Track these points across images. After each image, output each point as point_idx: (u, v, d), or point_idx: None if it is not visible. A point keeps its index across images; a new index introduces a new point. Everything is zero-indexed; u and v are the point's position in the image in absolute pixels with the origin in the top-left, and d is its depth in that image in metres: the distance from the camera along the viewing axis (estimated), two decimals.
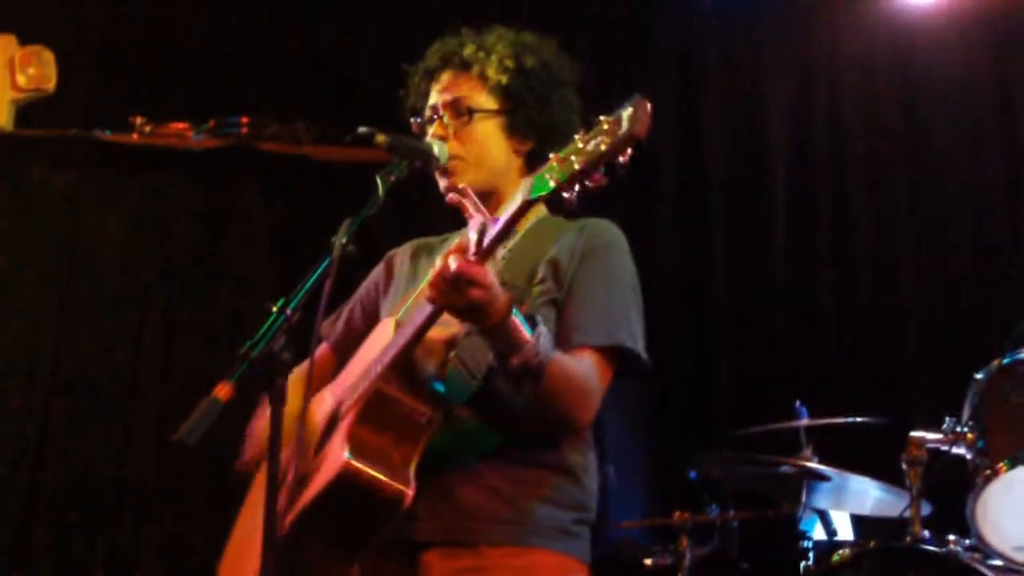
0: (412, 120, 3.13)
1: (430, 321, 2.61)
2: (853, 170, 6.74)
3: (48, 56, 5.88)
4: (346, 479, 2.62)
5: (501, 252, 2.90)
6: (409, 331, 2.65)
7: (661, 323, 6.41)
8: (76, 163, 6.21)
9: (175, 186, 6.34)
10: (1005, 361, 4.30)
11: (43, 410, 6.06)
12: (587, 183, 2.33)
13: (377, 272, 3.26)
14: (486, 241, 2.46)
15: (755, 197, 6.82)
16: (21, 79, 5.83)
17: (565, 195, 2.35)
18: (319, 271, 2.60)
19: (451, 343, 2.74)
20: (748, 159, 6.86)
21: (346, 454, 2.62)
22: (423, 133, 3.06)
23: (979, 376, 4.34)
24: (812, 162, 6.81)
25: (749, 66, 6.92)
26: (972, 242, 6.43)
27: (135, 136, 6.05)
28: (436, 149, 2.97)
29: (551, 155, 2.38)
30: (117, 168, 6.22)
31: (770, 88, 6.90)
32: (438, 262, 2.50)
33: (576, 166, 2.32)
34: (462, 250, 2.47)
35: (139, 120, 6.01)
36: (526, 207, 2.42)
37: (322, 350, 3.23)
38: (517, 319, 2.56)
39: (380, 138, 2.86)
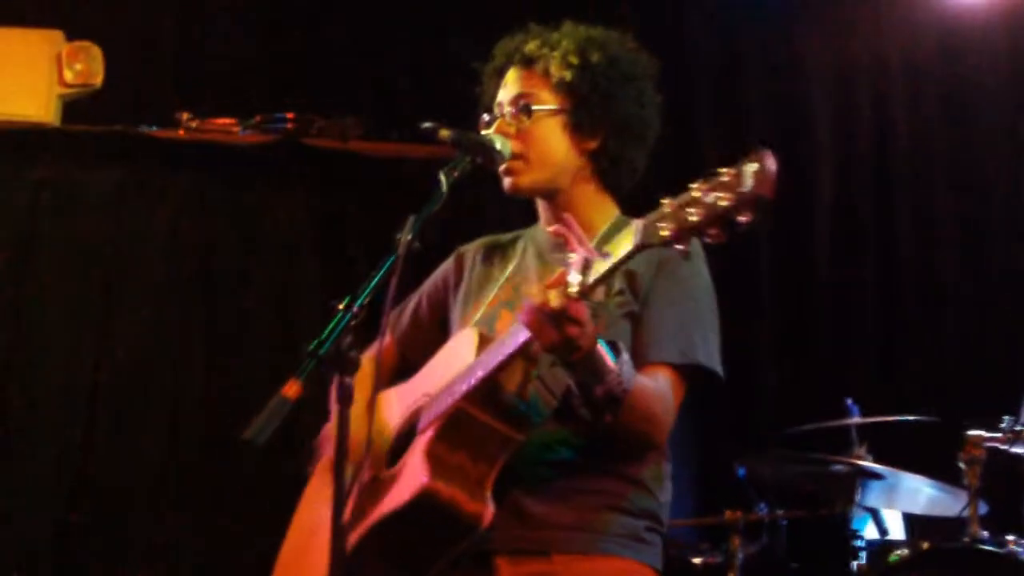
0: (483, 118, 3.08)
1: (523, 349, 2.56)
2: (898, 167, 6.69)
3: (96, 52, 5.87)
4: (425, 499, 2.60)
5: None
6: (499, 356, 2.60)
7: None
8: (121, 159, 6.18)
9: (220, 182, 6.30)
10: None
11: (87, 411, 6.03)
12: (704, 237, 2.22)
13: (446, 268, 3.22)
14: (590, 279, 2.40)
15: (799, 194, 6.78)
16: (68, 74, 5.83)
17: (678, 246, 2.25)
18: (385, 268, 2.58)
19: (531, 361, 2.70)
20: (791, 159, 6.79)
21: (425, 475, 2.60)
22: (488, 131, 3.02)
23: None
24: (856, 160, 6.76)
25: (790, 67, 6.87)
26: (1020, 240, 6.37)
27: (181, 132, 6.04)
28: (499, 145, 2.92)
29: (664, 201, 2.27)
30: (162, 164, 6.19)
31: (813, 88, 6.85)
32: (536, 293, 2.45)
33: (693, 219, 2.20)
34: (562, 284, 2.42)
35: (185, 116, 6.00)
36: (636, 253, 2.33)
37: (385, 343, 3.20)
38: (602, 349, 2.53)
39: (444, 133, 2.83)
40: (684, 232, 2.22)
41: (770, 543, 5.53)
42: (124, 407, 6.04)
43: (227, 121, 6.07)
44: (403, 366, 3.14)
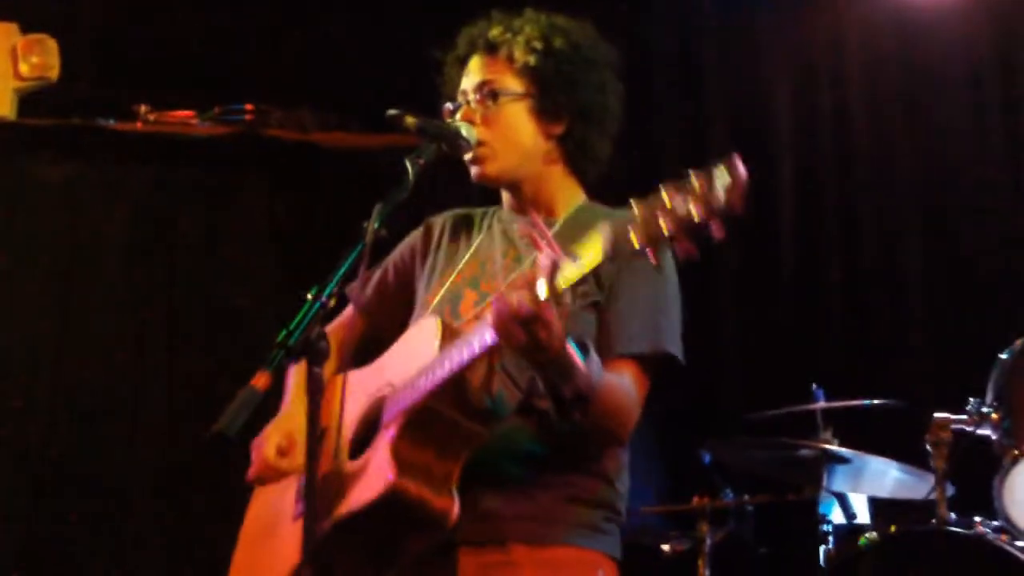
0: (446, 106, 3.06)
1: (489, 351, 2.54)
2: (859, 157, 6.71)
3: (51, 44, 5.81)
4: (393, 497, 2.58)
5: None
6: (465, 355, 2.57)
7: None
8: (78, 153, 6.12)
9: (179, 176, 6.25)
10: None
11: (46, 408, 5.98)
12: (673, 250, 2.22)
13: (414, 238, 3.19)
14: (560, 285, 2.37)
15: (762, 185, 6.78)
16: (24, 67, 5.76)
17: (648, 256, 2.21)
18: (352, 256, 2.56)
19: (495, 356, 2.68)
20: (752, 151, 6.73)
21: (392, 473, 2.58)
22: (453, 118, 3.00)
23: (1003, 356, 4.31)
24: (818, 151, 6.78)
25: (749, 65, 6.88)
26: (981, 225, 6.40)
27: (139, 124, 5.99)
28: (464, 131, 2.91)
29: (633, 205, 2.23)
30: (120, 158, 6.13)
31: (773, 83, 6.87)
32: (507, 296, 2.42)
33: (664, 231, 2.16)
34: (531, 286, 2.39)
35: (143, 108, 5.95)
36: (605, 262, 2.30)
37: (350, 313, 3.18)
38: (571, 348, 2.51)
39: (409, 120, 2.81)
40: (653, 243, 2.19)
41: (737, 529, 5.53)
42: (85, 404, 5.99)
43: (185, 113, 6.03)
44: (370, 335, 3.13)
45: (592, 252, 2.31)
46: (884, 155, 6.65)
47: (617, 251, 2.25)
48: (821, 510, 5.05)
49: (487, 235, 3.06)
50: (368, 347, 3.06)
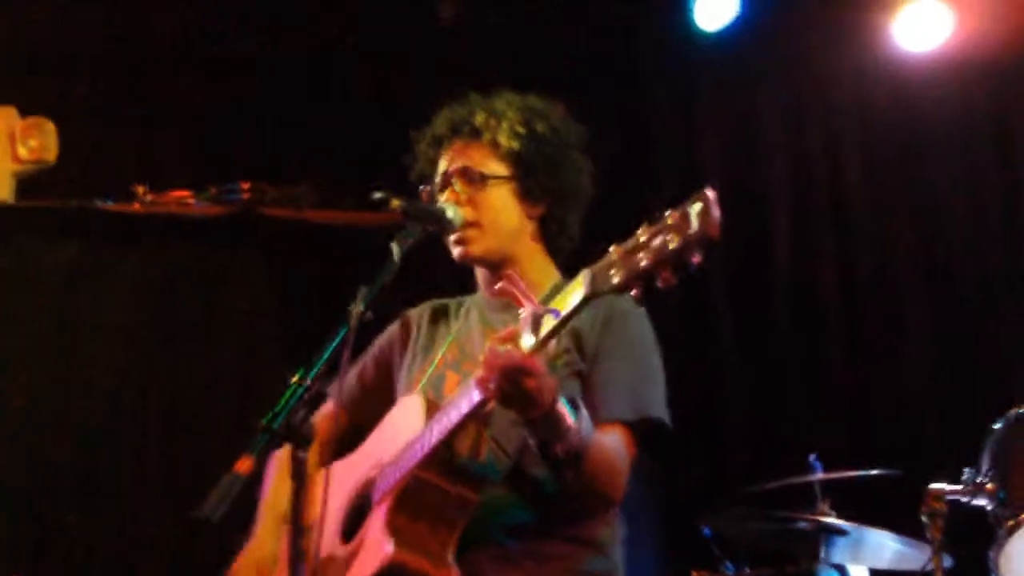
0: (421, 188, 3.10)
1: (477, 410, 2.56)
2: (854, 216, 6.73)
3: (49, 127, 5.86)
4: (390, 571, 2.58)
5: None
6: (454, 418, 2.60)
7: (669, 377, 6.40)
8: (77, 235, 6.17)
9: (177, 255, 6.30)
10: (1023, 411, 4.26)
11: (50, 487, 5.99)
12: (655, 282, 2.23)
13: (392, 332, 3.22)
14: (543, 334, 2.40)
15: (756, 244, 6.81)
16: (22, 151, 5.82)
17: (630, 292, 2.26)
18: (337, 340, 2.57)
19: (484, 421, 2.70)
20: (746, 207, 6.84)
21: (389, 546, 2.58)
22: (433, 200, 3.03)
23: (996, 426, 4.30)
24: (812, 209, 6.80)
25: (745, 113, 6.92)
26: (977, 287, 6.40)
27: (136, 205, 6.03)
28: (450, 213, 2.95)
29: (612, 248, 2.28)
30: (118, 239, 6.18)
31: (767, 135, 6.91)
32: (488, 351, 2.44)
33: (643, 264, 2.21)
34: (514, 340, 2.42)
35: (140, 189, 5.99)
36: (587, 302, 2.34)
37: (331, 408, 3.19)
38: (562, 405, 2.52)
39: (395, 203, 2.85)
40: (635, 277, 2.23)
41: None
42: (88, 482, 6.00)
43: (182, 193, 6.06)
44: (352, 429, 3.13)
45: (572, 298, 2.34)
46: (880, 215, 6.66)
47: (598, 289, 2.29)
48: None
49: (465, 321, 3.09)
50: (350, 442, 3.07)
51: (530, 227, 3.04)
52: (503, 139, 3.01)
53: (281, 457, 2.76)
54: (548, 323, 2.38)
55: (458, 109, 3.09)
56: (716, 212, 2.15)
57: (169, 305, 6.31)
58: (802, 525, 4.93)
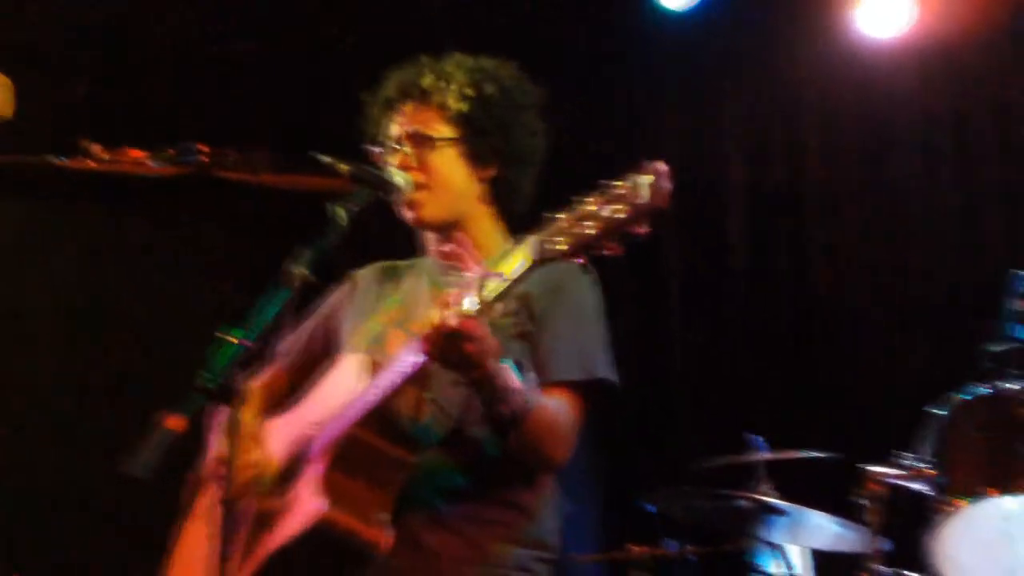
0: (372, 150, 3.09)
1: (418, 371, 2.57)
2: (811, 202, 6.76)
3: (5, 81, 5.80)
4: (322, 528, 2.58)
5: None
6: (394, 378, 2.60)
7: (617, 354, 6.44)
8: (29, 192, 6.12)
9: (131, 215, 6.26)
10: (964, 396, 4.31)
11: None
12: (601, 250, 2.24)
13: (340, 293, 3.22)
14: (487, 298, 2.41)
15: (713, 229, 6.84)
16: None
17: (576, 260, 2.27)
18: (278, 301, 2.57)
19: (424, 382, 2.70)
20: (706, 191, 6.86)
21: (323, 503, 2.58)
22: (383, 163, 3.03)
23: (937, 411, 4.34)
24: (770, 194, 6.83)
25: (706, 96, 6.94)
26: (928, 274, 6.46)
27: (91, 163, 5.96)
28: (399, 178, 2.94)
29: (559, 215, 2.28)
30: (72, 196, 6.13)
31: (728, 118, 6.93)
32: (433, 313, 2.45)
33: (590, 232, 2.22)
34: (458, 303, 2.42)
35: (95, 147, 5.94)
36: (533, 269, 2.34)
37: (276, 369, 3.19)
38: (507, 367, 2.54)
39: (343, 167, 2.83)
40: (581, 245, 2.24)
41: None
42: (33, 436, 5.99)
43: (138, 153, 6.01)
44: (295, 393, 3.13)
45: (518, 263, 2.35)
46: (838, 202, 6.70)
47: (544, 256, 2.29)
48: (758, 561, 5.07)
49: (414, 283, 3.09)
50: (294, 403, 3.07)
51: (480, 189, 3.03)
52: (451, 101, 3.00)
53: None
54: (492, 287, 2.39)
55: (407, 72, 3.08)
56: (666, 184, 2.18)
57: (121, 264, 6.27)
58: (742, 504, 4.97)
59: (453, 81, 3.01)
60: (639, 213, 2.17)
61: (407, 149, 3.01)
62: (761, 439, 5.30)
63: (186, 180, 5.98)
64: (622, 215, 2.18)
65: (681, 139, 6.94)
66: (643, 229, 2.19)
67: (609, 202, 2.21)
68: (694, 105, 6.97)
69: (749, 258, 6.77)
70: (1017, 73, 6.39)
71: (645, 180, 2.18)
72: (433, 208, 2.99)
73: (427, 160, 2.99)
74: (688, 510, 5.37)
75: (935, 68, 6.50)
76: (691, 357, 6.66)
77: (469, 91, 3.00)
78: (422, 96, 3.03)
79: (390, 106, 3.07)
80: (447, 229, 3.03)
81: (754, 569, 5.03)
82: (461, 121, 3.00)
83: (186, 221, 6.37)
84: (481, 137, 3.01)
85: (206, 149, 6.06)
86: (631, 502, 5.54)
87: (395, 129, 3.04)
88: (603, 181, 2.24)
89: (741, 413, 6.19)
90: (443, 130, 3.00)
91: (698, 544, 5.49)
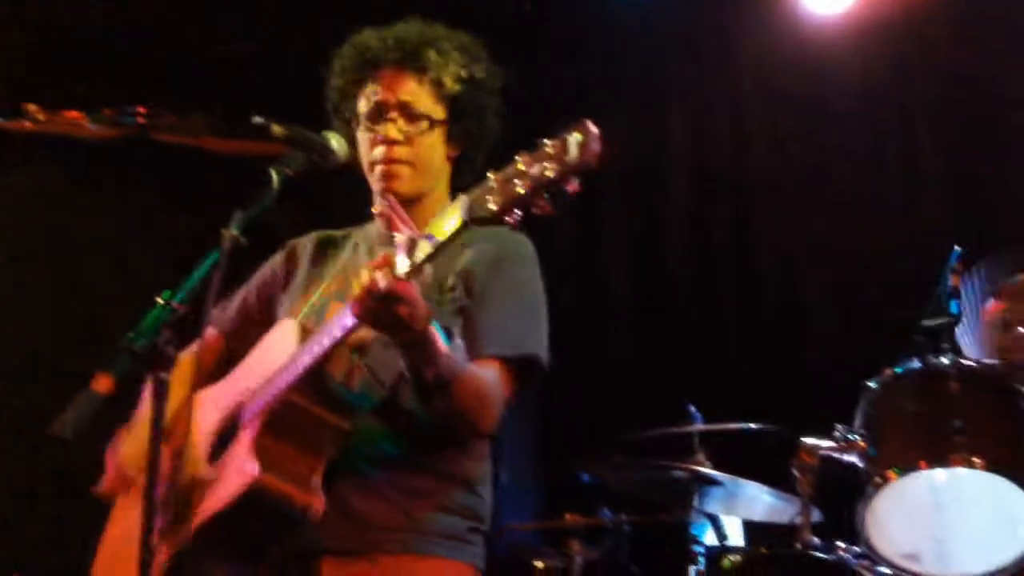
0: (337, 105, 3.05)
1: (350, 334, 2.56)
2: (754, 177, 6.79)
3: None
4: (255, 493, 2.56)
5: None
6: (326, 342, 2.59)
7: (556, 325, 6.46)
8: None
9: (67, 176, 6.20)
10: (898, 370, 4.33)
11: None
12: (532, 209, 2.24)
13: (276, 261, 3.20)
14: (418, 259, 2.40)
15: (655, 201, 6.85)
16: None
17: (506, 218, 2.26)
18: (208, 263, 2.55)
19: (359, 349, 2.69)
20: (649, 165, 6.88)
21: (255, 468, 2.56)
22: (356, 124, 3.00)
23: (871, 384, 4.37)
24: (713, 168, 6.85)
25: (646, 80, 6.95)
26: (868, 251, 6.49)
27: (27, 124, 5.88)
28: (335, 144, 2.91)
29: (489, 174, 2.29)
30: (5, 158, 6.06)
31: (670, 92, 6.95)
32: (363, 275, 2.44)
33: (520, 191, 2.22)
34: (389, 264, 2.41)
35: (32, 107, 5.86)
36: (463, 228, 2.34)
37: (212, 336, 3.16)
38: (436, 332, 2.53)
39: (277, 129, 2.81)
40: (511, 204, 2.24)
41: (613, 548, 5.56)
42: None
43: (76, 114, 5.93)
44: (231, 360, 3.10)
45: (449, 223, 2.35)
46: (780, 176, 6.72)
47: (474, 215, 2.30)
48: (693, 532, 5.09)
49: (353, 253, 3.07)
50: (228, 370, 3.05)
51: (447, 168, 3.05)
52: (448, 81, 3.00)
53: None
54: (424, 248, 2.38)
55: (400, 36, 3.04)
56: (595, 143, 2.19)
57: (58, 226, 6.21)
58: (678, 474, 4.99)
59: (451, 60, 2.99)
60: (568, 171, 2.19)
61: (400, 122, 2.98)
62: (697, 411, 5.31)
63: (125, 142, 5.98)
64: (551, 173, 2.19)
65: (627, 117, 6.94)
66: (573, 187, 2.21)
67: (538, 161, 2.21)
68: (638, 83, 6.96)
69: (691, 233, 6.79)
70: (958, 50, 6.43)
71: (574, 139, 2.19)
72: (412, 184, 2.99)
73: (415, 137, 2.98)
74: (624, 480, 5.39)
75: (878, 45, 6.53)
76: (630, 329, 6.68)
77: (464, 73, 3.00)
78: (419, 67, 3.00)
79: (376, 67, 3.03)
80: (411, 203, 3.02)
81: (689, 539, 5.04)
82: (450, 102, 3.00)
83: (126, 183, 6.30)
84: (462, 120, 3.01)
85: (144, 111, 6.03)
86: (568, 472, 5.54)
87: (382, 94, 3.00)
88: (536, 141, 2.24)
89: (680, 385, 6.21)
90: (433, 108, 3.00)
91: (634, 514, 5.52)
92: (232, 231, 2.58)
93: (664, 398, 5.91)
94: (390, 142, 2.95)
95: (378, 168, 2.96)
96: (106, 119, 6.08)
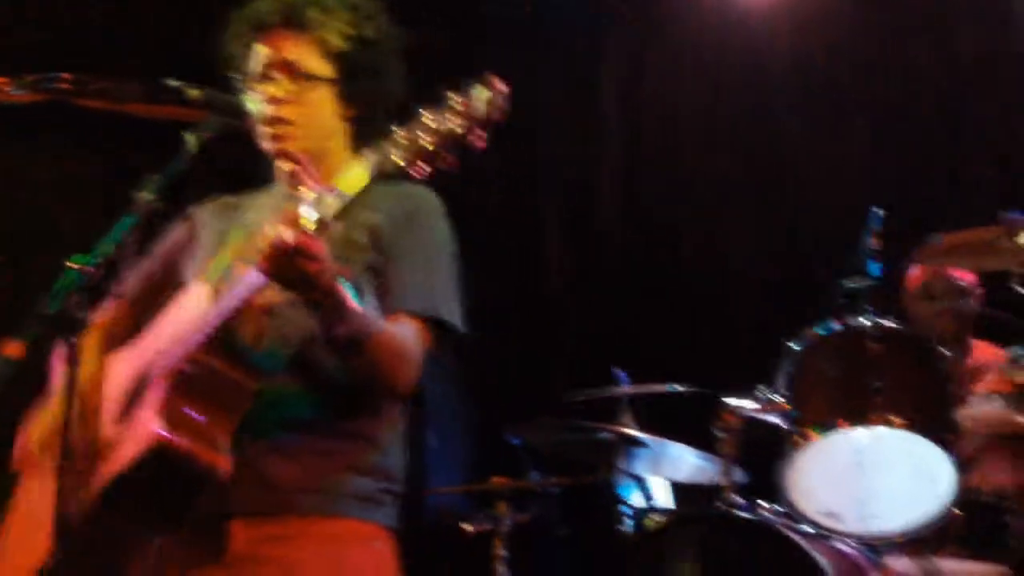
0: (236, 76, 3.04)
1: (257, 292, 2.55)
2: (685, 148, 6.84)
3: None
4: (159, 452, 2.54)
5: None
6: (234, 301, 2.57)
7: (489, 289, 6.50)
8: None
9: None
10: (820, 331, 4.38)
11: None
12: (437, 163, 2.26)
13: (180, 228, 3.17)
14: (324, 214, 2.40)
15: (588, 172, 6.89)
16: None
17: (412, 172, 2.27)
18: (122, 227, 2.53)
19: (267, 309, 2.68)
20: (582, 134, 6.91)
21: (159, 427, 2.54)
22: (246, 87, 2.98)
23: (793, 346, 4.42)
24: (643, 138, 6.90)
25: (587, 56, 6.98)
26: (792, 217, 6.56)
27: None
28: (252, 106, 2.90)
29: (395, 129, 2.29)
30: None
31: (605, 73, 6.98)
32: (269, 231, 2.43)
33: (426, 145, 2.24)
34: (295, 220, 2.40)
35: None
36: (371, 184, 2.33)
37: (118, 305, 3.14)
38: (345, 290, 2.52)
39: (192, 93, 2.79)
40: (417, 158, 2.25)
41: (542, 510, 5.60)
42: None
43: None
44: (136, 329, 3.08)
45: (355, 178, 2.35)
46: (708, 145, 6.78)
47: (380, 169, 2.30)
48: (621, 493, 5.13)
49: (258, 213, 3.05)
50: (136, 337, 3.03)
51: (343, 127, 3.02)
52: (332, 38, 2.96)
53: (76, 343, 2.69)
54: (330, 203, 2.38)
55: None
56: (499, 98, 2.22)
57: None
58: (604, 436, 5.02)
59: (336, 17, 2.97)
60: (473, 124, 2.21)
61: (283, 81, 2.96)
62: (624, 373, 5.35)
63: (47, 107, 5.92)
64: (457, 128, 2.22)
65: (562, 90, 6.97)
66: (479, 142, 2.22)
67: (444, 115, 2.23)
68: (574, 58, 6.99)
69: (621, 200, 6.82)
70: (884, 31, 6.52)
71: (480, 93, 2.21)
72: (299, 143, 2.94)
73: (300, 95, 2.94)
74: (552, 443, 5.42)
75: (808, 23, 6.59)
76: (560, 293, 6.71)
77: (350, 31, 2.96)
78: (302, 26, 2.97)
79: (263, 28, 3.01)
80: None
81: (616, 500, 5.08)
82: (338, 60, 2.96)
83: (49, 148, 6.25)
84: (355, 79, 2.98)
85: (68, 76, 5.97)
86: (496, 435, 5.57)
87: (267, 54, 2.98)
88: (442, 95, 2.26)
89: (607, 349, 6.26)
90: (320, 66, 2.95)
91: (561, 476, 5.55)
92: (147, 195, 2.56)
93: (592, 362, 5.95)
94: (275, 101, 2.92)
95: (265, 128, 2.94)
96: (31, 84, 6.03)
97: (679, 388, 5.36)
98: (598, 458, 5.23)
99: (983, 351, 5.35)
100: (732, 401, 4.40)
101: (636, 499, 5.30)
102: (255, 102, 2.91)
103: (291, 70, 2.94)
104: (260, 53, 2.99)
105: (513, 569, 5.23)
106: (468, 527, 5.39)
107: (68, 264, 2.43)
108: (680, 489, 5.54)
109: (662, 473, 5.36)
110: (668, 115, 6.90)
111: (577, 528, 5.71)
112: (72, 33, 6.24)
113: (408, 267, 2.84)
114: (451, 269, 2.93)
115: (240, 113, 2.87)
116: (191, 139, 2.73)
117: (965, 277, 5.31)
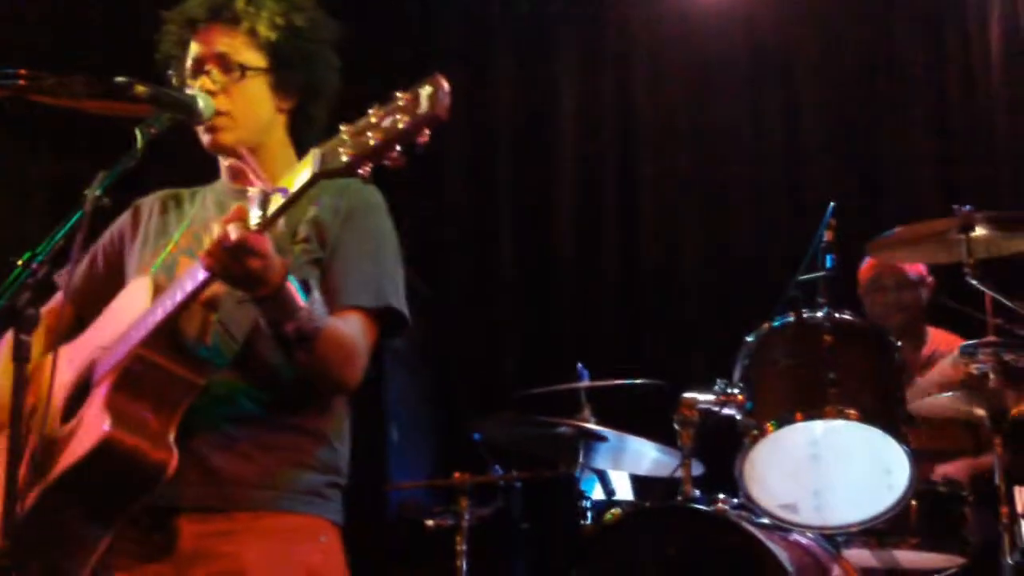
0: (168, 72, 3.04)
1: (202, 288, 2.55)
2: (641, 141, 6.87)
3: None
4: (106, 449, 2.54)
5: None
6: (178, 297, 2.57)
7: (450, 283, 6.52)
8: None
9: None
10: (774, 324, 4.40)
11: None
12: (383, 161, 2.26)
13: (122, 221, 3.16)
14: (270, 211, 2.40)
15: (544, 165, 6.90)
16: None
17: (359, 171, 2.28)
18: (70, 224, 2.53)
19: (211, 305, 2.68)
20: (537, 133, 6.94)
21: (106, 424, 2.54)
22: (183, 85, 2.98)
23: (749, 339, 4.43)
24: (600, 134, 6.92)
25: (538, 51, 6.99)
26: (748, 208, 6.60)
27: None
28: (201, 103, 2.90)
29: (342, 127, 2.30)
30: None
31: (559, 61, 7.00)
32: (215, 229, 2.42)
33: (372, 143, 2.24)
34: (241, 218, 2.40)
35: None
36: (315, 180, 2.34)
37: (59, 300, 3.13)
38: (292, 286, 2.53)
39: (140, 89, 2.78)
40: (363, 156, 2.26)
41: (504, 505, 5.61)
42: None
43: None
44: (79, 324, 3.07)
45: (301, 176, 2.36)
46: (666, 142, 6.81)
47: (326, 168, 2.31)
48: (582, 487, 5.14)
49: (201, 208, 3.05)
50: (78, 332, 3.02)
51: (280, 120, 3.03)
52: (262, 29, 2.97)
53: (10, 341, 2.70)
54: (276, 201, 2.38)
55: None
56: (445, 94, 2.22)
57: None
58: (565, 430, 5.03)
59: (265, 8, 2.97)
60: (418, 123, 2.22)
61: (214, 74, 2.96)
62: (584, 368, 5.36)
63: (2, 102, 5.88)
64: (402, 125, 2.22)
65: (516, 82, 6.98)
66: (423, 139, 2.23)
67: (390, 113, 2.24)
68: (529, 49, 7.00)
69: (578, 194, 6.84)
70: (841, 20, 6.56)
71: (425, 91, 2.22)
72: (235, 135, 2.96)
73: (233, 87, 2.95)
74: (513, 437, 5.42)
75: (763, 14, 6.62)
76: (520, 289, 6.72)
77: (280, 20, 2.97)
78: (232, 19, 2.98)
79: (194, 25, 3.02)
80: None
81: (577, 494, 5.09)
82: (269, 50, 2.97)
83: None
84: (287, 69, 2.99)
85: (23, 72, 5.94)
86: (458, 430, 5.58)
87: (199, 50, 2.99)
88: (388, 94, 2.27)
89: (567, 344, 6.28)
90: (251, 57, 2.96)
91: (523, 470, 5.56)
92: (94, 192, 2.55)
93: (552, 357, 5.96)
94: (209, 94, 2.92)
95: (200, 123, 2.94)
96: None
97: (638, 381, 5.37)
98: (559, 453, 5.24)
99: (940, 339, 5.40)
100: (691, 395, 4.41)
101: (598, 493, 5.32)
102: (201, 98, 2.91)
103: (223, 62, 2.95)
104: (194, 49, 3.00)
105: (475, 564, 5.24)
106: (430, 522, 5.40)
107: (15, 261, 2.42)
108: (640, 482, 5.56)
109: (623, 466, 5.38)
110: (621, 107, 6.93)
111: (539, 522, 5.72)
112: (24, 31, 6.21)
113: (353, 262, 2.85)
114: (396, 262, 2.95)
115: (190, 109, 2.87)
116: (139, 135, 2.72)
117: (915, 268, 5.38)
